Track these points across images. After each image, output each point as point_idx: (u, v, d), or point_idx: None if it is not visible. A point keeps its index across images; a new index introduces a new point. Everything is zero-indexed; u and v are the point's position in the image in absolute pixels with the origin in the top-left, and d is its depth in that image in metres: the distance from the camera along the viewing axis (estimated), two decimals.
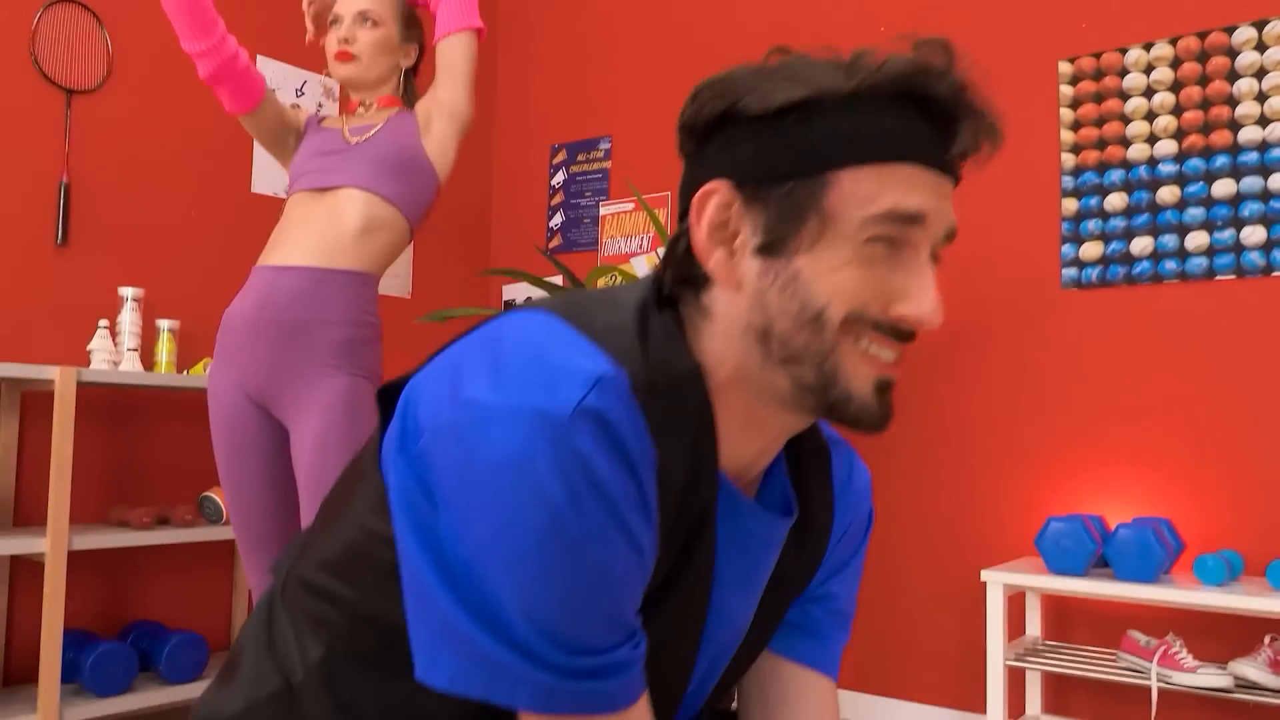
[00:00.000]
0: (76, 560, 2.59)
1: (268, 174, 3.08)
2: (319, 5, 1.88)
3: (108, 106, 2.70)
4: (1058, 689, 2.52)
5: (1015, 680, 2.59)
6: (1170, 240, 2.47)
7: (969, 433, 2.70)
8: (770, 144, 0.69)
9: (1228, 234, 2.40)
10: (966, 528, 2.68)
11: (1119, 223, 2.54)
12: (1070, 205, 2.60)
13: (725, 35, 3.26)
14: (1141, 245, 2.50)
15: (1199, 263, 2.43)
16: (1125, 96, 2.55)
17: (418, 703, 0.68)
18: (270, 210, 3.07)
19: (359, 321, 1.71)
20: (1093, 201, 2.58)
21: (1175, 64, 2.49)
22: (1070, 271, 2.59)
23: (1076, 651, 2.41)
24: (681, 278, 0.74)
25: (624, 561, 0.63)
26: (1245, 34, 2.41)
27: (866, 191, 0.67)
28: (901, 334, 0.70)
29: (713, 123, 0.71)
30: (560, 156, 3.68)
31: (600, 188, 3.55)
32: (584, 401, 0.61)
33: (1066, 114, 2.63)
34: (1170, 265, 2.47)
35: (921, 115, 0.69)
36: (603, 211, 3.53)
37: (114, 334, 2.64)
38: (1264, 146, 2.37)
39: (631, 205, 3.45)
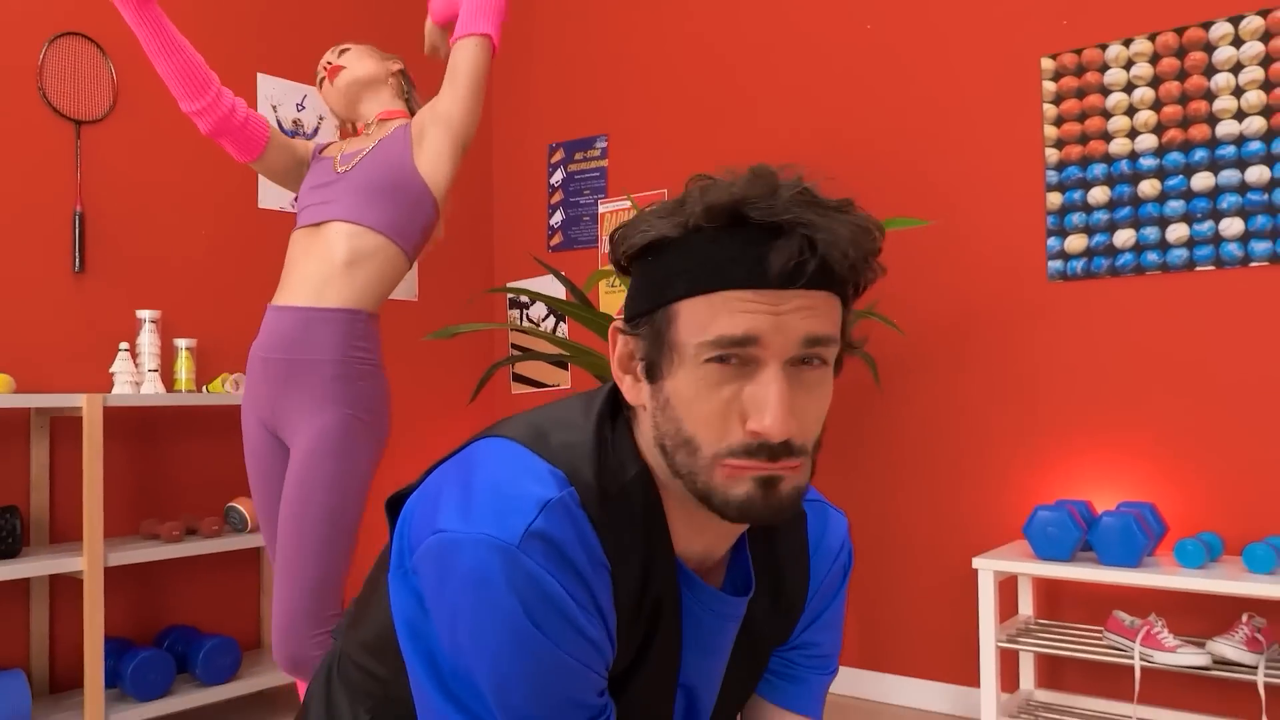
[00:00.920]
0: (112, 573, 2.72)
1: (273, 189, 3.16)
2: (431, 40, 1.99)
3: (115, 135, 2.78)
4: (1049, 665, 2.64)
5: (1008, 657, 2.71)
6: (1152, 233, 2.54)
7: (960, 422, 2.79)
8: (636, 284, 0.80)
9: (1206, 226, 2.47)
10: (960, 513, 2.78)
11: (1102, 216, 2.61)
12: (1054, 199, 2.67)
13: (720, 31, 3.31)
14: (1124, 238, 2.58)
15: (1179, 254, 2.51)
16: (1106, 92, 2.61)
17: None
18: (276, 224, 3.16)
19: (347, 359, 1.75)
20: (1076, 195, 2.65)
21: (1154, 59, 2.55)
22: (1056, 264, 2.67)
23: (1066, 631, 2.53)
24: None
25: (583, 657, 0.75)
26: (1222, 29, 2.46)
27: (700, 320, 0.75)
28: (766, 448, 0.74)
29: (620, 266, 0.83)
30: (558, 155, 3.75)
31: (598, 186, 3.62)
32: (532, 526, 0.73)
33: (1049, 109, 2.69)
34: (1152, 257, 2.54)
35: (749, 241, 0.74)
36: (601, 209, 3.61)
37: (134, 356, 2.75)
38: (1240, 140, 2.43)
39: (628, 204, 3.52)
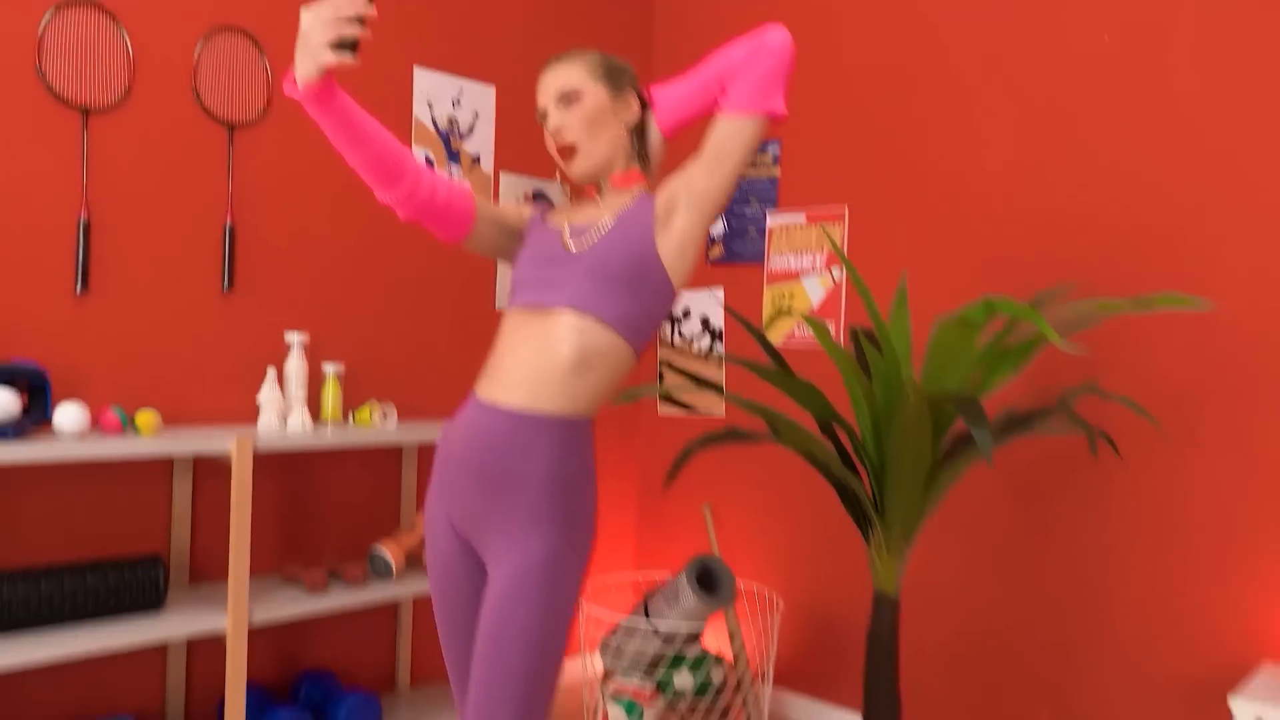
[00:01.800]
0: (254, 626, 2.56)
1: None
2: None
3: (268, 139, 2.56)
4: None
5: None
6: None
7: (1200, 504, 2.40)
8: None
9: None
10: (1194, 623, 2.40)
11: None
12: None
13: (901, 34, 2.92)
14: None
15: None
16: None
17: None
18: (421, 238, 2.91)
19: (565, 475, 1.50)
20: None
21: None
22: None
23: None
24: None
25: None
26: None
27: None
28: None
29: None
30: None
31: (768, 196, 3.28)
32: None
33: None
34: None
35: None
36: (770, 223, 3.27)
37: (281, 382, 2.55)
38: None
39: (803, 218, 3.18)
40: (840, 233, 3.10)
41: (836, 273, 3.10)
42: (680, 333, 3.51)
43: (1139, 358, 2.50)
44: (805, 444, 2.07)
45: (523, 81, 3.18)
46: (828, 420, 2.20)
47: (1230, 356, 2.38)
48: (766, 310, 3.26)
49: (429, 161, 2.93)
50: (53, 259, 2.22)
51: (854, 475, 2.22)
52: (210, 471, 2.47)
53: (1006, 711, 2.70)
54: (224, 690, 2.30)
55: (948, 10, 2.86)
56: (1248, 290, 2.35)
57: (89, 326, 2.28)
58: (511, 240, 1.65)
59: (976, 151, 2.80)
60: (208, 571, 2.48)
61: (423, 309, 2.92)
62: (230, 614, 2.17)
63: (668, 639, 2.65)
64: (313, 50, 1.33)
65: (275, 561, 2.61)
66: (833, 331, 3.10)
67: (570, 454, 1.51)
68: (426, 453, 2.94)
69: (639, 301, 1.54)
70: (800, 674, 3.16)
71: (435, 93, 2.94)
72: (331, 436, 2.37)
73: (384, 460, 2.85)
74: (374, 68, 2.78)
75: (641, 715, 2.69)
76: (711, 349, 3.44)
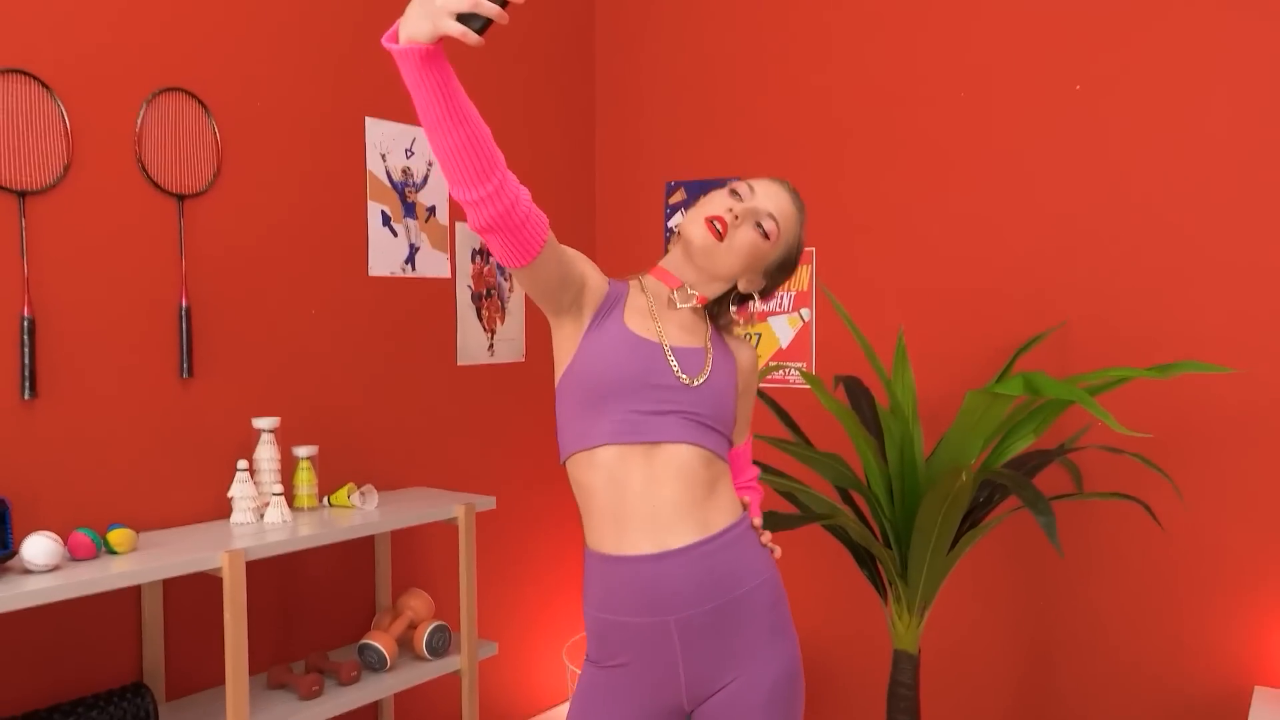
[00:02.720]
0: None
1: (383, 255, 2.74)
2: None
3: (217, 210, 2.35)
4: None
5: None
6: None
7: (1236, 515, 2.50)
8: None
9: None
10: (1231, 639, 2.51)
11: None
12: None
13: (867, 78, 2.92)
14: None
15: None
16: None
17: None
18: (384, 301, 2.74)
19: (774, 571, 1.56)
20: None
21: None
22: None
23: None
24: None
25: None
26: None
27: None
28: None
29: None
30: (679, 195, 3.35)
31: None
32: None
33: None
34: None
35: None
36: None
37: (253, 474, 2.35)
38: None
39: None
40: (808, 273, 3.08)
41: (805, 313, 3.09)
42: None
43: (1126, 391, 2.58)
44: (831, 513, 2.04)
45: None
46: (846, 489, 2.18)
47: (1222, 388, 2.48)
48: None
49: (385, 216, 2.76)
50: None
51: (873, 538, 2.21)
52: (181, 581, 2.26)
53: None
54: None
55: (917, 51, 2.88)
56: (1231, 323, 2.46)
57: (41, 435, 2.03)
58: (563, 289, 1.44)
59: (943, 192, 2.83)
60: (185, 686, 2.27)
61: (389, 376, 2.76)
62: None
63: None
64: (435, 13, 1.12)
65: (257, 662, 2.42)
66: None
67: (762, 551, 1.55)
68: (401, 535, 2.78)
69: (724, 443, 1.57)
70: None
71: (388, 143, 2.76)
72: (318, 529, 2.19)
73: (366, 550, 2.68)
74: (324, 118, 2.59)
75: None
76: None
